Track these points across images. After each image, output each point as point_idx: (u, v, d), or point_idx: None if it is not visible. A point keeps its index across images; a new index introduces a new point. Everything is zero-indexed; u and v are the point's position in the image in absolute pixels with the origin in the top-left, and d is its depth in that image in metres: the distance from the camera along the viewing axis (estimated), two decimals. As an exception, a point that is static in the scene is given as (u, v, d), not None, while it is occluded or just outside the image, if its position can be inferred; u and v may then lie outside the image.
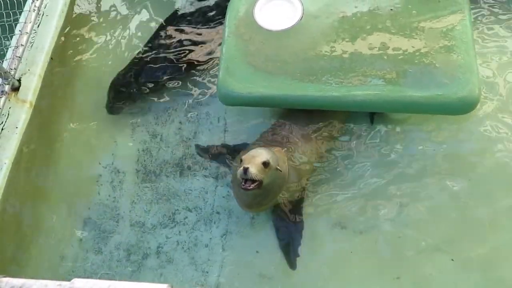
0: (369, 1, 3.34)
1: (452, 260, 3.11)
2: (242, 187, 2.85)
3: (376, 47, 3.18)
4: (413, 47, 3.16)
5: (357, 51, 3.18)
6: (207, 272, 3.23)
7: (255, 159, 2.87)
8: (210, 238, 3.33)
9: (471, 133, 3.47)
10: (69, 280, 1.83)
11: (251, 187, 2.84)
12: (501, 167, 3.35)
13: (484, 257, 3.11)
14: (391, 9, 3.30)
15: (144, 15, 4.25)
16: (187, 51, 3.93)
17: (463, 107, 3.09)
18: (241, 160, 2.90)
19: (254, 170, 2.81)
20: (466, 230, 3.20)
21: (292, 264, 3.18)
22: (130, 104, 3.84)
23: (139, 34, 4.15)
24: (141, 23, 4.22)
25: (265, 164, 2.87)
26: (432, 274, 3.09)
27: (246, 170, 2.79)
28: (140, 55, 3.98)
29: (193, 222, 3.39)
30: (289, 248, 3.21)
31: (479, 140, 3.44)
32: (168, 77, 3.86)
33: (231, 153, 3.49)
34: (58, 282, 1.84)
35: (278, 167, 3.00)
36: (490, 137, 3.45)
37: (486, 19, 3.81)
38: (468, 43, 3.14)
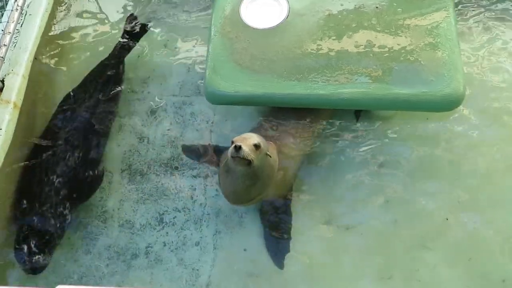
0: (354, -1, 3.35)
1: (436, 256, 3.16)
2: (233, 156, 2.82)
3: (362, 45, 3.19)
4: (398, 44, 3.18)
5: (343, 49, 3.19)
6: (197, 271, 3.23)
7: (247, 140, 2.88)
8: (200, 237, 3.33)
9: (455, 131, 3.51)
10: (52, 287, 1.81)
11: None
12: (485, 165, 3.41)
13: (468, 252, 3.17)
14: (377, 7, 3.32)
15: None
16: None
17: (448, 104, 3.12)
18: (232, 142, 2.89)
19: (246, 148, 2.80)
20: (450, 227, 3.24)
21: (279, 265, 3.19)
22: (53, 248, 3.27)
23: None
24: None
25: (256, 147, 2.88)
26: (419, 270, 3.14)
27: (238, 148, 2.78)
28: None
29: (182, 222, 3.39)
30: (277, 248, 3.22)
31: (463, 138, 3.49)
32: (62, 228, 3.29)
33: (217, 152, 3.48)
34: None
35: (268, 153, 3.00)
36: (474, 135, 3.50)
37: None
38: (453, 40, 3.17)
